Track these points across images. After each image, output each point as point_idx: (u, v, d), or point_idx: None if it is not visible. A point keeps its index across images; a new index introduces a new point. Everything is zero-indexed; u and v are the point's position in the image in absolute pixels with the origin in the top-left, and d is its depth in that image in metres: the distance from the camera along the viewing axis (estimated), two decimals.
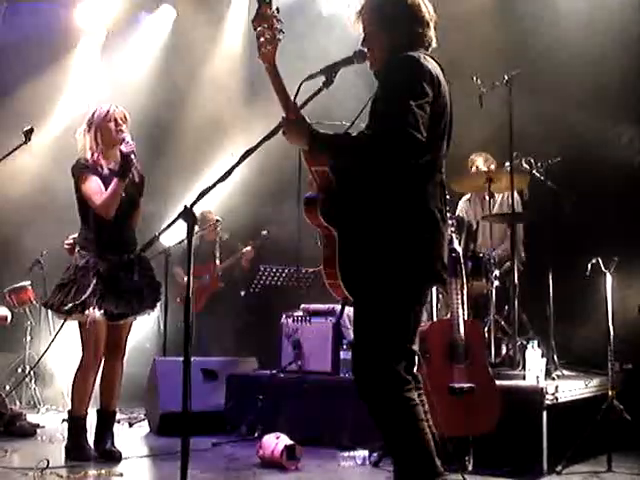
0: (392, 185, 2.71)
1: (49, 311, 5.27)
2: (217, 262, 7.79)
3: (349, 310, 5.60)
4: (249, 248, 7.69)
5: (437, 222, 2.77)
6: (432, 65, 2.79)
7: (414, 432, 2.67)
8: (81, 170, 4.65)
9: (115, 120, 4.68)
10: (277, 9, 2.93)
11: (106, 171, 4.67)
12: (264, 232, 7.57)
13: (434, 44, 2.93)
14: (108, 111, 4.69)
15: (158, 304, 4.87)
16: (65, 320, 4.58)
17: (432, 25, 2.92)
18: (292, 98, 2.90)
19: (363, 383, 2.75)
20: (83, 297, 4.46)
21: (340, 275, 2.78)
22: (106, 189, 4.60)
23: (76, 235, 4.75)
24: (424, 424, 2.69)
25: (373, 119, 2.79)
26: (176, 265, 7.42)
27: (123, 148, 4.59)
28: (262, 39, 2.90)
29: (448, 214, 2.91)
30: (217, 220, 7.51)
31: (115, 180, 4.58)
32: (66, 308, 4.48)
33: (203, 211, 7.65)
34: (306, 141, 2.81)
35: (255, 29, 2.92)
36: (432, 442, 2.69)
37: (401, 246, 2.70)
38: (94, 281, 4.49)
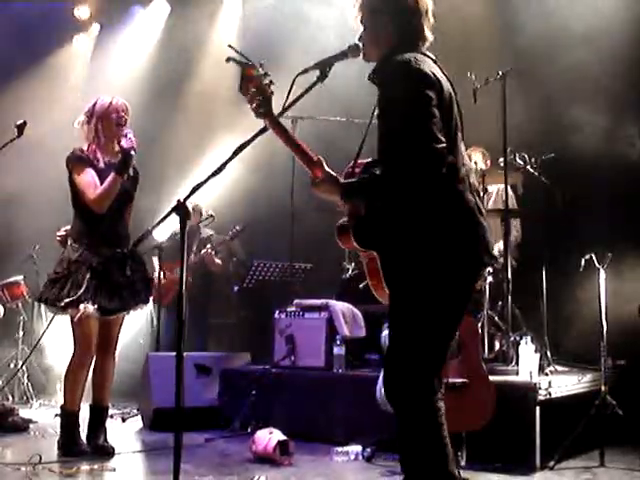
0: (424, 196, 2.65)
1: (42, 306, 5.25)
2: (192, 257, 7.70)
3: (342, 305, 5.60)
4: (207, 250, 7.48)
5: (476, 216, 2.71)
6: (428, 64, 2.73)
7: (437, 439, 2.62)
8: (76, 161, 4.60)
9: (117, 112, 4.64)
10: (261, 64, 2.89)
11: (102, 164, 4.63)
12: (237, 227, 7.45)
13: (431, 37, 2.87)
14: (110, 102, 4.65)
15: (150, 299, 4.86)
16: (55, 314, 4.56)
17: (429, 17, 2.86)
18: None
19: (394, 389, 2.70)
20: (79, 292, 4.44)
21: (389, 290, 2.75)
22: (101, 182, 4.56)
23: (68, 227, 4.72)
24: (446, 431, 2.64)
25: (383, 137, 2.73)
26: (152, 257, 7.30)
27: (124, 144, 4.55)
28: (254, 104, 2.87)
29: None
30: (211, 215, 7.48)
31: (112, 175, 4.54)
32: (62, 304, 4.46)
33: (193, 203, 7.61)
34: (338, 197, 2.79)
35: (245, 95, 2.87)
36: (452, 454, 2.64)
37: (447, 255, 2.64)
38: (88, 275, 4.48)
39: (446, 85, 2.76)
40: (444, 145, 2.61)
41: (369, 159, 2.87)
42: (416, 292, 2.68)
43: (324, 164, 2.85)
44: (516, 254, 5.86)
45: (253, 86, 2.88)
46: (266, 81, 2.89)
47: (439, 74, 2.75)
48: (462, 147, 2.83)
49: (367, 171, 2.84)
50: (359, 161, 2.89)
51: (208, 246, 7.47)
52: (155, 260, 7.37)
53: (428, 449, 2.64)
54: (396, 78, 2.70)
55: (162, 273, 7.23)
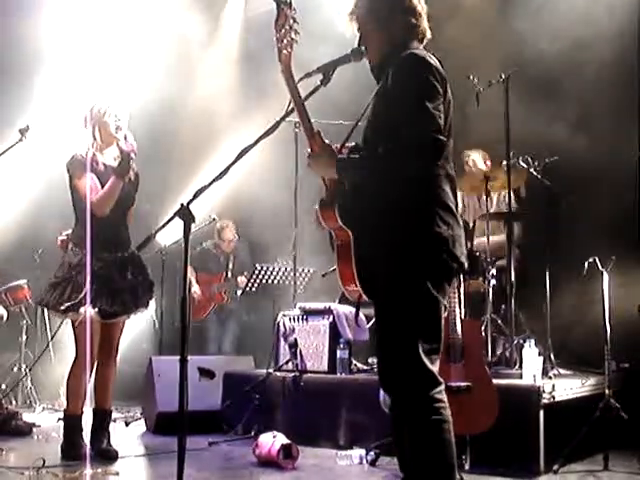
0: (411, 185, 2.70)
1: (45, 310, 5.26)
2: (228, 274, 7.79)
3: (345, 309, 5.59)
4: (243, 279, 7.59)
5: (455, 216, 2.76)
6: (435, 62, 2.78)
7: (441, 437, 2.61)
8: (76, 166, 4.61)
9: (114, 116, 4.65)
10: (295, 9, 2.92)
11: (101, 167, 4.64)
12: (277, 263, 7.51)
13: (428, 35, 2.94)
14: (107, 107, 4.67)
15: (151, 302, 4.85)
16: (63, 320, 4.57)
17: (424, 16, 2.92)
18: (289, 98, 2.88)
19: (394, 385, 2.70)
20: (80, 296, 4.44)
21: (358, 277, 2.75)
22: (101, 186, 4.57)
23: (69, 231, 4.73)
24: (451, 427, 2.64)
25: (380, 123, 2.76)
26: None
27: (123, 147, 4.56)
28: (285, 41, 2.89)
29: None
30: (214, 219, 7.51)
31: (112, 179, 4.55)
32: (62, 307, 4.47)
33: (223, 223, 7.71)
34: (333, 172, 2.80)
35: (278, 32, 2.90)
36: (455, 450, 2.63)
37: (425, 244, 2.69)
38: (89, 279, 4.48)
39: (447, 86, 2.80)
40: (444, 139, 2.66)
41: (353, 143, 2.89)
42: (389, 281, 2.70)
43: (322, 136, 2.85)
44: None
45: (287, 25, 2.90)
46: (295, 27, 2.92)
47: (444, 74, 2.79)
48: (452, 148, 2.85)
49: (354, 153, 2.85)
50: (346, 145, 2.90)
51: (245, 273, 7.56)
52: (190, 271, 7.49)
53: (432, 445, 2.63)
54: (408, 67, 2.75)
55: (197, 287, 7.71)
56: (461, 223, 2.81)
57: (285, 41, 2.88)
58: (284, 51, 2.89)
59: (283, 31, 2.89)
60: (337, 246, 2.86)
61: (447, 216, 2.73)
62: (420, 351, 2.66)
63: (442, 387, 2.68)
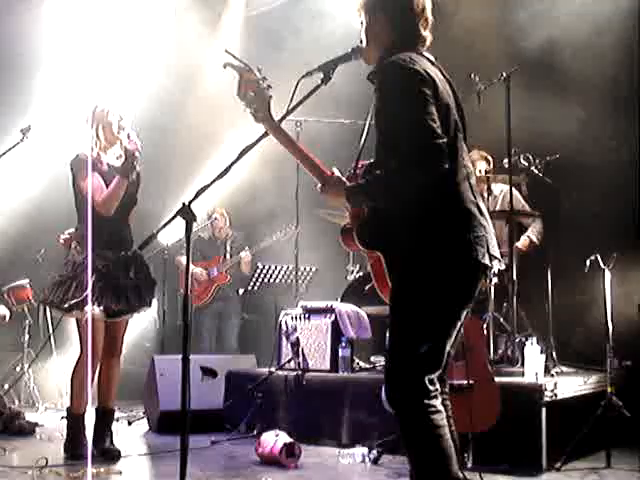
0: (424, 195, 2.63)
1: (48, 309, 5.25)
2: (228, 256, 7.77)
3: (347, 307, 5.60)
4: (247, 254, 7.62)
5: (476, 217, 2.69)
6: (422, 63, 2.70)
7: (432, 439, 2.60)
8: (80, 166, 4.61)
9: (116, 115, 4.66)
10: (259, 69, 2.88)
11: (105, 167, 4.65)
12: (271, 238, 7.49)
13: (430, 37, 2.84)
14: (109, 107, 4.68)
15: (154, 301, 4.85)
16: (61, 317, 4.57)
17: (426, 16, 2.83)
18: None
19: (388, 388, 2.70)
20: (83, 295, 4.45)
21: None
22: (106, 185, 4.58)
23: (72, 230, 4.73)
24: (444, 430, 2.62)
25: (383, 140, 2.73)
26: (179, 255, 7.46)
27: (128, 146, 4.57)
28: (252, 108, 2.86)
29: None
30: (215, 218, 7.53)
31: (117, 178, 4.55)
32: (66, 305, 4.47)
33: (217, 209, 7.72)
34: (343, 201, 2.79)
35: (241, 100, 2.87)
36: (452, 449, 2.61)
37: (448, 252, 2.64)
38: (93, 278, 4.48)
39: (442, 84, 2.73)
40: (444, 140, 2.58)
41: (371, 160, 2.85)
42: (410, 292, 2.67)
43: (335, 170, 2.83)
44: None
45: (251, 90, 2.87)
46: (264, 85, 2.88)
47: (435, 74, 2.71)
48: (464, 147, 2.80)
49: (369, 172, 2.81)
50: (360, 162, 2.87)
51: (247, 249, 7.54)
52: (183, 259, 7.47)
53: (428, 452, 2.63)
54: (390, 78, 2.69)
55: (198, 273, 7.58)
56: (484, 221, 2.72)
57: (254, 107, 2.86)
58: (258, 115, 2.86)
59: (249, 97, 2.85)
60: (371, 265, 2.85)
61: (467, 219, 2.67)
62: (422, 362, 2.63)
63: (435, 393, 2.64)
